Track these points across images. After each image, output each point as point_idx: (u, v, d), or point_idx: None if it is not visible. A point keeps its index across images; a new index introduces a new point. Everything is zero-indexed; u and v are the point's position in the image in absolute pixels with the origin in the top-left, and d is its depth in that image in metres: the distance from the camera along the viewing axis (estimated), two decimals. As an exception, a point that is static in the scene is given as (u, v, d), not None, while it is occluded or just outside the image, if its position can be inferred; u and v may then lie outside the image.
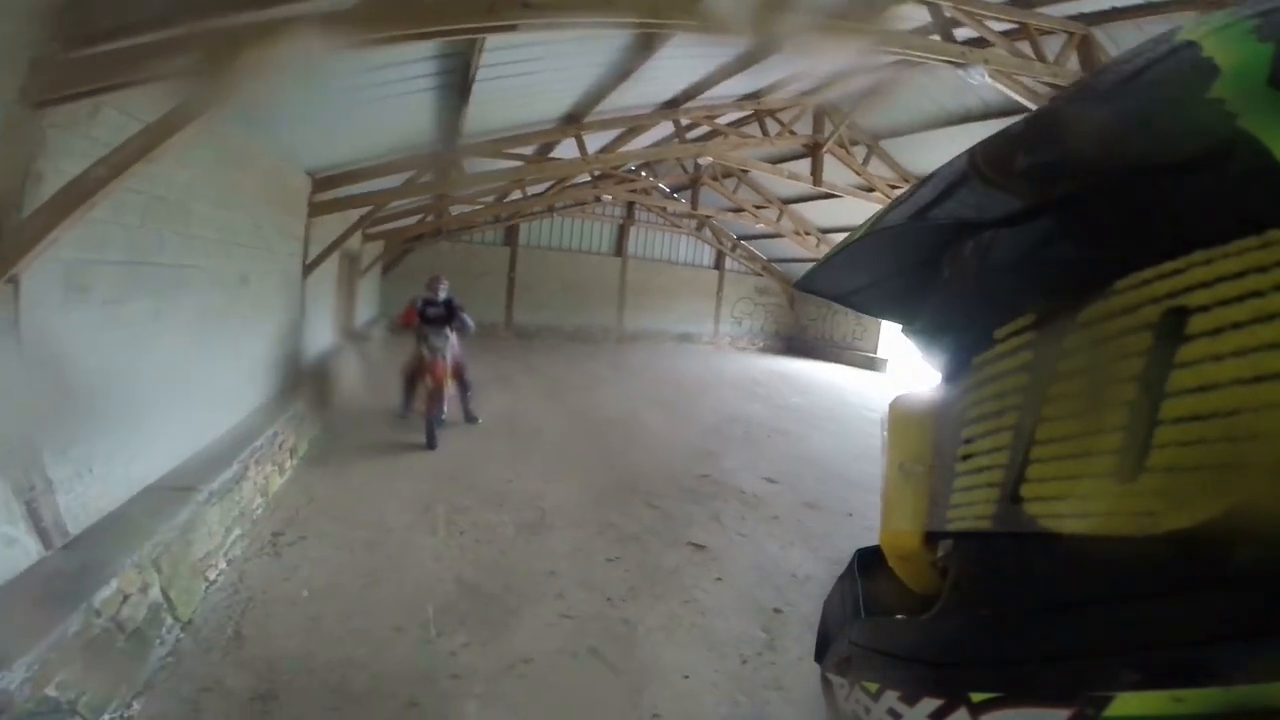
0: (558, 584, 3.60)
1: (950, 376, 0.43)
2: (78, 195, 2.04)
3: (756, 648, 3.16)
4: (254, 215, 4.28)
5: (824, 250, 13.59)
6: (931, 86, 7.28)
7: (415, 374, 6.36)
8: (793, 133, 8.31)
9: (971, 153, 0.39)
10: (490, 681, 2.68)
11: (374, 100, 4.15)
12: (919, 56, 3.89)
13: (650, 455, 6.41)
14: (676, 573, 3.90)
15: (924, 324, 0.48)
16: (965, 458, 0.38)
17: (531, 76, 4.81)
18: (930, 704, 0.33)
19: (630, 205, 15.56)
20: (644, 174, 12.88)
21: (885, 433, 0.48)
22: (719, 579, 3.90)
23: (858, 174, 9.04)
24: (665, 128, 8.09)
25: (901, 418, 0.47)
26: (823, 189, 8.78)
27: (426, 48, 3.56)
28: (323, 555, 3.60)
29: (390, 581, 3.39)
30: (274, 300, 5.08)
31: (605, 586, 3.63)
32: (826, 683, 0.46)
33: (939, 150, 8.55)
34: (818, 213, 12.75)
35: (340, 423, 6.32)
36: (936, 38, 4.01)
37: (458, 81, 4.30)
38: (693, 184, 12.52)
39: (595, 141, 7.47)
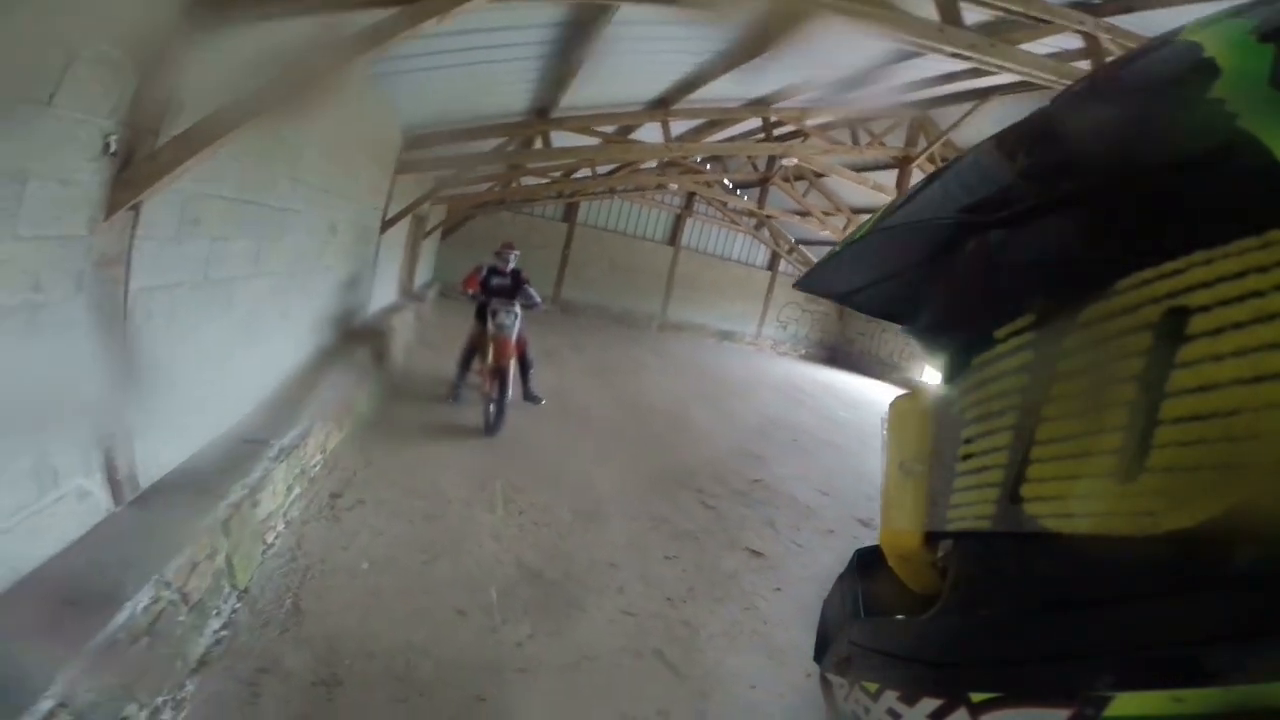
0: (618, 577, 3.52)
1: (950, 376, 0.42)
2: (218, 129, 1.96)
3: (820, 662, 3.06)
4: (352, 166, 4.22)
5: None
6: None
7: (473, 351, 5.81)
8: (883, 144, 7.96)
9: (973, 151, 0.39)
10: (557, 678, 2.59)
11: (482, 62, 4.02)
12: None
13: (699, 451, 6.32)
14: (735, 578, 3.83)
15: (924, 324, 0.48)
16: (965, 457, 0.38)
17: (643, 56, 4.62)
18: (930, 704, 0.32)
19: (691, 196, 15.33)
20: (709, 166, 12.63)
21: (885, 432, 0.48)
22: (778, 589, 3.83)
23: (944, 192, 8.66)
24: (749, 122, 7.84)
25: (901, 417, 0.46)
26: (905, 203, 8.40)
27: (554, 12, 3.41)
28: (381, 524, 3.52)
29: (450, 558, 3.31)
30: (353, 252, 5.05)
31: (665, 585, 3.55)
32: (826, 683, 0.46)
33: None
34: (887, 226, 12.33)
35: (400, 382, 6.30)
36: (1086, 64, 3.72)
37: (573, 51, 4.15)
38: (762, 182, 12.18)
39: (676, 128, 7.27)
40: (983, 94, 6.90)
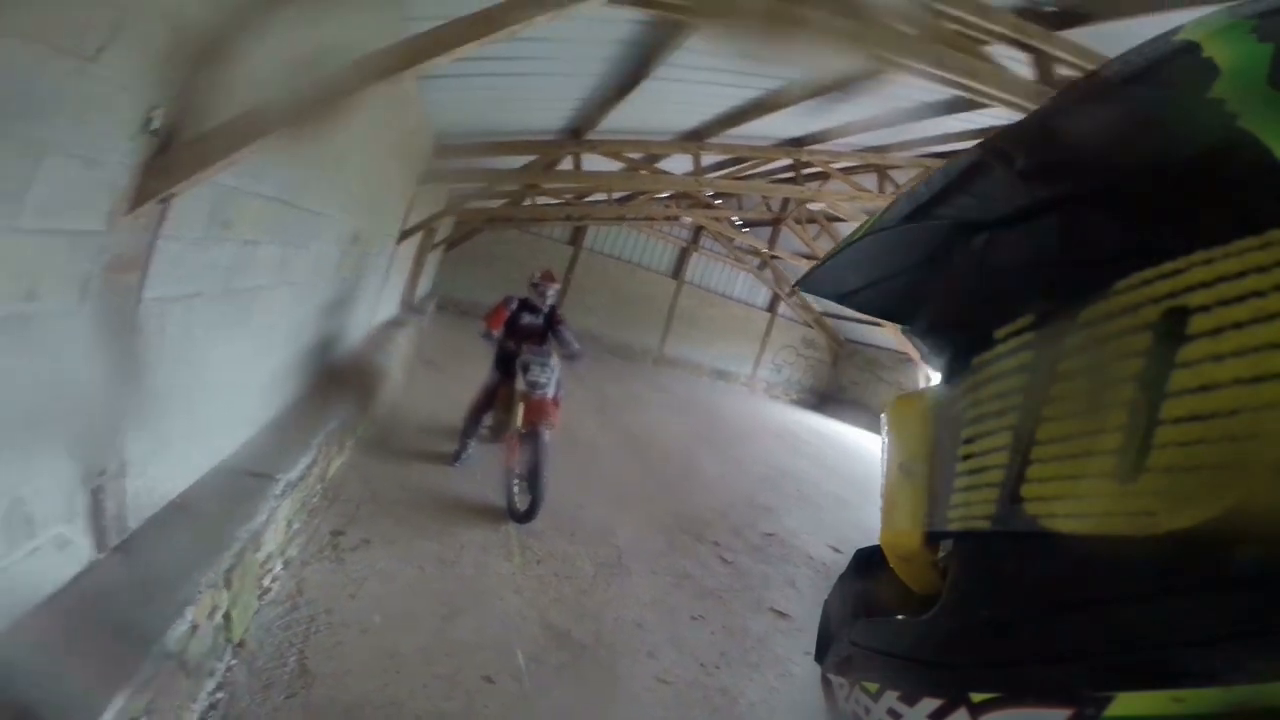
0: (647, 639, 3.24)
1: (950, 376, 0.42)
2: (273, 120, 1.64)
3: (864, 730, 2.81)
4: (386, 170, 3.91)
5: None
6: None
7: (487, 407, 4.59)
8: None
9: (981, 149, 0.39)
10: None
11: (532, 74, 3.80)
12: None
13: (709, 500, 6.12)
14: (765, 641, 3.63)
15: (924, 324, 0.47)
16: (965, 458, 0.37)
17: (693, 85, 4.44)
18: (930, 704, 0.32)
19: (698, 230, 15.24)
20: (719, 202, 12.57)
21: (885, 432, 0.47)
22: (809, 654, 3.50)
23: (957, 245, 8.64)
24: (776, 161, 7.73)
25: (901, 417, 0.46)
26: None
27: (621, 27, 3.21)
28: (390, 568, 3.15)
29: (471, 614, 2.95)
30: (370, 263, 4.69)
31: (696, 649, 3.30)
32: (826, 683, 0.45)
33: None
34: (891, 274, 12.34)
35: (403, 407, 5.91)
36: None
37: (629, 71, 3.95)
38: (774, 223, 12.12)
39: (703, 161, 7.12)
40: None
